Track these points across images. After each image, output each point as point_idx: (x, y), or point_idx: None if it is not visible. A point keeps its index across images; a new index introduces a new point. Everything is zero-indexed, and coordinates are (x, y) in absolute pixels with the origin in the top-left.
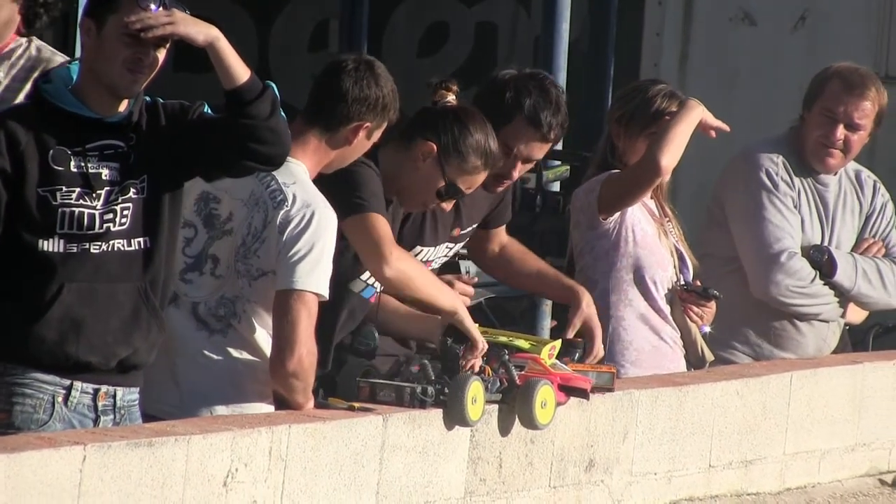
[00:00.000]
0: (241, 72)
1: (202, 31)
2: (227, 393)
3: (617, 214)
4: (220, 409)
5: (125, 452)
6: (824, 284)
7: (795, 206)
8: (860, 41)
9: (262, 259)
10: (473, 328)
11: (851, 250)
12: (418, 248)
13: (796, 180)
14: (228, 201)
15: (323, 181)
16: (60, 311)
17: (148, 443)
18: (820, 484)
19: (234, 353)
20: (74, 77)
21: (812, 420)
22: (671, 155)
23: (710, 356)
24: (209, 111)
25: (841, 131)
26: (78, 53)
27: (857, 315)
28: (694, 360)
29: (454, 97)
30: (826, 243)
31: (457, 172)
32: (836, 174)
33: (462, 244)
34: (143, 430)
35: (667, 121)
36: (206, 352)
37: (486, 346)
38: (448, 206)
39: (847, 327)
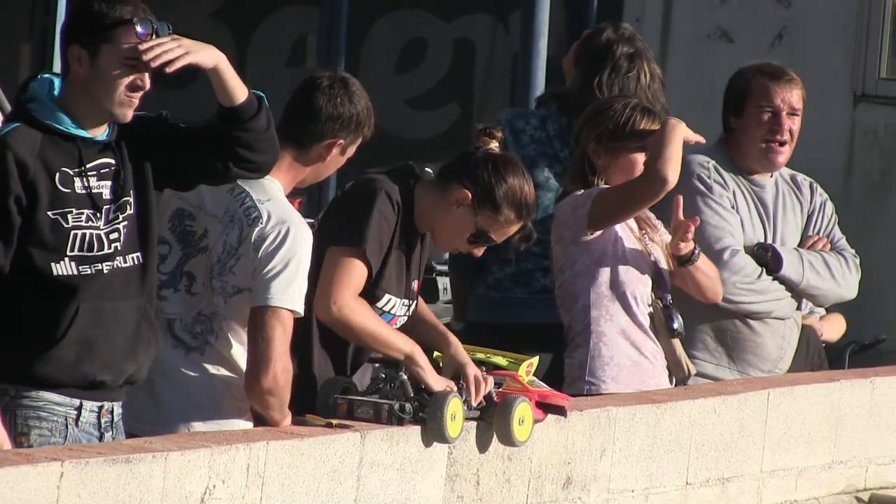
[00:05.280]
0: (241, 91)
1: (210, 56)
2: (205, 409)
3: (602, 230)
4: (198, 426)
5: (103, 469)
6: (773, 280)
7: (733, 207)
8: (837, 59)
9: (238, 276)
10: (433, 378)
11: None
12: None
13: (730, 181)
14: (203, 218)
15: (342, 193)
16: (76, 332)
17: (125, 459)
18: (797, 501)
19: (212, 369)
20: (56, 91)
21: (789, 437)
22: (675, 170)
23: (692, 369)
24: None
25: (786, 121)
26: (56, 67)
27: (833, 332)
28: (677, 375)
29: (497, 144)
30: (771, 242)
31: (489, 222)
32: (771, 176)
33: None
34: (121, 447)
35: (655, 139)
36: (182, 369)
37: (452, 387)
38: (479, 252)
39: (824, 345)
